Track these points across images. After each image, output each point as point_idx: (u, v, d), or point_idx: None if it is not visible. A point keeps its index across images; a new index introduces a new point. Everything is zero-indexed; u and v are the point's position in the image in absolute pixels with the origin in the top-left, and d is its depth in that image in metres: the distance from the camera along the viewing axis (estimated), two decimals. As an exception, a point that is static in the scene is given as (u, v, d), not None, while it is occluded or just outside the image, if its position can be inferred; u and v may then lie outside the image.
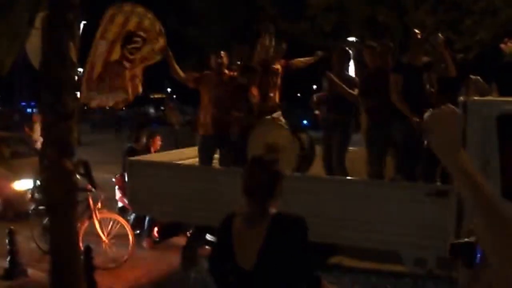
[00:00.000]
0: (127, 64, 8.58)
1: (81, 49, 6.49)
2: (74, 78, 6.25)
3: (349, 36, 24.24)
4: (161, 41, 8.85)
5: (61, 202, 6.15)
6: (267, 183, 3.74)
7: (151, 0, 10.39)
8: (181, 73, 9.37)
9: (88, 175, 10.17)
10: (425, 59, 8.13)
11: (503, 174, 6.39)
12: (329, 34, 24.08)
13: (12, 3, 6.26)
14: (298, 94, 49.00)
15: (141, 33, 8.62)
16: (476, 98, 6.93)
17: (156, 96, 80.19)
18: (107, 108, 9.06)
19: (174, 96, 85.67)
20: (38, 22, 6.46)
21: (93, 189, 10.04)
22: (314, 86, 10.05)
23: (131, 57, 8.60)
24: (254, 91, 9.14)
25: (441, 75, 7.91)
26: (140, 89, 8.97)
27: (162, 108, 78.21)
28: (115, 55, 8.44)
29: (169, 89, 79.70)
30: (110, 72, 8.40)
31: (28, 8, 6.26)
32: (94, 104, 8.59)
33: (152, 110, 72.57)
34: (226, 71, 9.38)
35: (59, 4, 6.03)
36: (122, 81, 8.57)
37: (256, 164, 3.86)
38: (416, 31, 8.34)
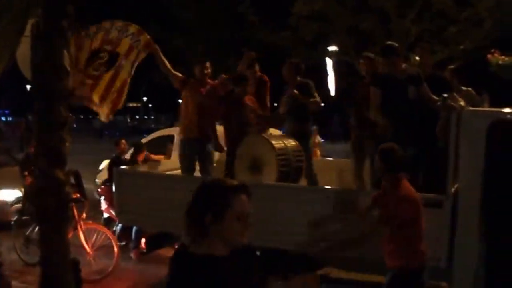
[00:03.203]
0: (89, 81, 8.48)
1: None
2: (68, 86, 6.13)
3: (330, 46, 24.32)
4: (143, 39, 8.77)
5: (53, 213, 6.03)
6: (194, 211, 3.15)
7: (134, 9, 10.37)
8: (171, 68, 9.30)
9: (79, 185, 10.07)
10: (412, 70, 8.07)
11: (494, 182, 6.44)
12: (311, 43, 24.10)
13: (2, 10, 6.13)
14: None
15: (107, 47, 8.54)
16: (468, 108, 6.96)
17: (131, 105, 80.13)
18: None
19: (150, 105, 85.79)
20: (27, 30, 6.35)
21: (83, 200, 9.95)
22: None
23: (96, 73, 8.48)
24: (249, 100, 9.13)
25: None
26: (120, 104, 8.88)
27: (137, 116, 78.36)
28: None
29: (145, 98, 79.70)
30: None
31: (18, 16, 6.13)
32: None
33: (128, 120, 72.38)
34: (209, 81, 9.39)
35: (53, 12, 5.93)
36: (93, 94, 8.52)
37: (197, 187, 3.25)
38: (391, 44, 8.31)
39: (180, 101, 9.87)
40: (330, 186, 8.36)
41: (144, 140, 13.88)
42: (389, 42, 8.43)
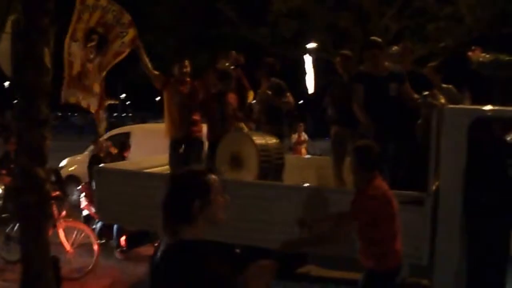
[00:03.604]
0: (89, 65, 8.34)
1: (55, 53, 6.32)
2: (49, 84, 6.08)
3: (309, 43, 24.23)
4: (131, 33, 8.66)
5: (34, 211, 5.99)
6: (177, 201, 3.08)
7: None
8: (152, 68, 9.24)
9: (59, 183, 10.03)
10: (396, 67, 8.04)
11: (475, 180, 6.47)
12: (290, 40, 24.02)
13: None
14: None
15: (100, 29, 8.36)
16: (449, 106, 6.98)
17: (109, 102, 79.42)
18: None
19: (128, 102, 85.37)
20: (8, 26, 6.30)
21: (63, 198, 9.91)
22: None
23: (91, 56, 8.37)
24: (231, 98, 9.11)
25: None
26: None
27: (114, 114, 77.99)
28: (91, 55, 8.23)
29: (123, 95, 79.32)
30: (86, 71, 8.16)
31: (-1, 12, 6.10)
32: (73, 101, 8.25)
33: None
34: (188, 79, 9.35)
35: (34, 9, 5.88)
36: (91, 82, 8.34)
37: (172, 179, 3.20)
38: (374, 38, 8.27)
39: (158, 98, 9.86)
40: (309, 184, 8.35)
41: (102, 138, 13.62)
42: (373, 37, 8.41)
